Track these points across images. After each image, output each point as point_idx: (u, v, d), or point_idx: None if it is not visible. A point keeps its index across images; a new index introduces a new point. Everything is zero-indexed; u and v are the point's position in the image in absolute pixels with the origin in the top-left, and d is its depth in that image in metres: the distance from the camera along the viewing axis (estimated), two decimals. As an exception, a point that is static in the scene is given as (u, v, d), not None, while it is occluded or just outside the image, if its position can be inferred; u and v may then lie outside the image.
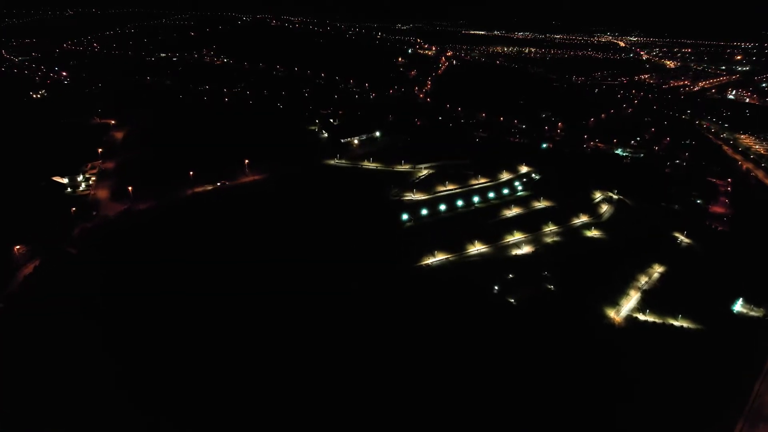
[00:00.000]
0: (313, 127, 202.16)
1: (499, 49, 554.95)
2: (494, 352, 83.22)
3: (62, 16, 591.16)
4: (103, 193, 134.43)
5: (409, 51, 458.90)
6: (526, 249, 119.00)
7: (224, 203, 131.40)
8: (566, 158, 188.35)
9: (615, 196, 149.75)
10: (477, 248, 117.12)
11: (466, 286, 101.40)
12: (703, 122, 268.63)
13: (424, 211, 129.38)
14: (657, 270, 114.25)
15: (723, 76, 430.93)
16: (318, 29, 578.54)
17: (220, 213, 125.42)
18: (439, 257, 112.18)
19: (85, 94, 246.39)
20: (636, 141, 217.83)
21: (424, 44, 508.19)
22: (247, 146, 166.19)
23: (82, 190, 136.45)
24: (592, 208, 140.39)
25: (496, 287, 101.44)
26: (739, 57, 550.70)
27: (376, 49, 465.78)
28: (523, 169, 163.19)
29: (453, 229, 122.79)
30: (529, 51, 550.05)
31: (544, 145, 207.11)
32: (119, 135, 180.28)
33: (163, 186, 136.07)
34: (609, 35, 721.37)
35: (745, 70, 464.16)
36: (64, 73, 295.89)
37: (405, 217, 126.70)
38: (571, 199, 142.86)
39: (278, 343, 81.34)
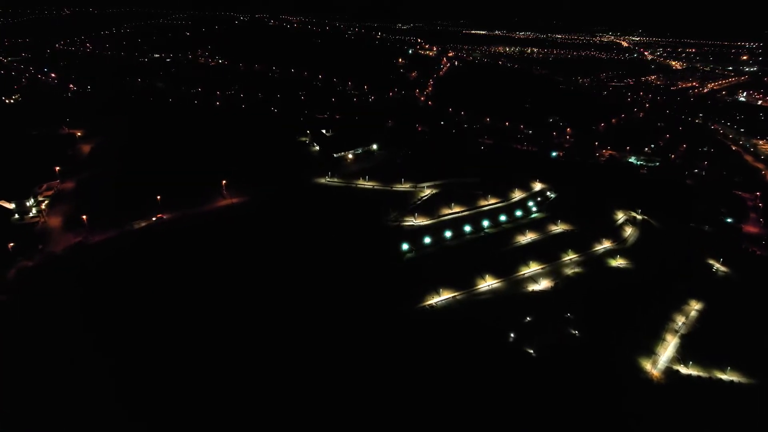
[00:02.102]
0: (303, 139, 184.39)
1: (500, 49, 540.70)
2: (511, 413, 72.46)
3: (59, 16, 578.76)
4: (55, 221, 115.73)
5: (410, 51, 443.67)
6: (544, 283, 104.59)
7: (194, 232, 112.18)
8: (580, 171, 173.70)
9: (639, 217, 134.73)
10: (488, 283, 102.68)
11: (477, 333, 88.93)
12: (717, 126, 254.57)
13: (427, 239, 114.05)
14: (694, 307, 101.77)
15: (731, 77, 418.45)
16: (317, 29, 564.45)
17: (184, 245, 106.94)
18: (445, 295, 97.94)
19: (63, 98, 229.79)
20: (650, 148, 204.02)
21: (425, 44, 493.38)
22: (228, 163, 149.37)
23: (32, 217, 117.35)
24: (614, 232, 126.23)
25: (512, 334, 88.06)
26: (745, 57, 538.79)
27: (375, 49, 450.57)
28: (537, 186, 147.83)
29: (460, 261, 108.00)
30: (531, 51, 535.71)
31: (554, 154, 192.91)
32: (86, 148, 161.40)
33: (126, 213, 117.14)
34: (611, 35, 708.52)
35: (753, 71, 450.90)
36: (53, 75, 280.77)
37: (405, 246, 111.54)
38: (591, 221, 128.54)
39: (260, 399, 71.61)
